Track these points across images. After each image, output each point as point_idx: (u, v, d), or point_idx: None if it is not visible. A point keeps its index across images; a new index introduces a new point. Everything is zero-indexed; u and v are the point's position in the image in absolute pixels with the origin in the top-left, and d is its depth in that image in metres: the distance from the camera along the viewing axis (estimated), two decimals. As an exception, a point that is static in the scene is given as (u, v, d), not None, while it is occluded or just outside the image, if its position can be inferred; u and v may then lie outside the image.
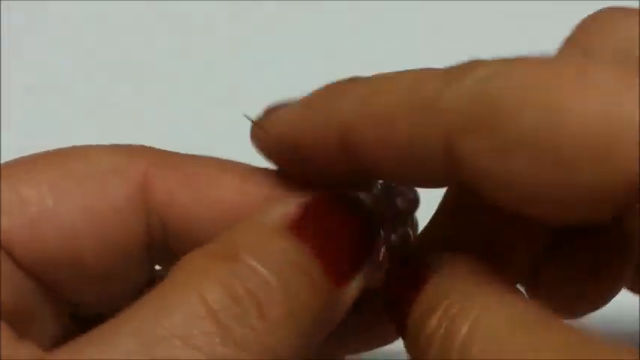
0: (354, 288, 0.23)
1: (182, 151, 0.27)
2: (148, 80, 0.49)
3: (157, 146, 0.27)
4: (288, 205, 0.23)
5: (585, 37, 0.24)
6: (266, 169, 0.26)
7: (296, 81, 0.46)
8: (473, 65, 0.20)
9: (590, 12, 0.27)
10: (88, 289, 0.26)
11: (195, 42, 0.50)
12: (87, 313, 0.26)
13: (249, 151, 0.26)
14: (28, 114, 0.48)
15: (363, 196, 0.25)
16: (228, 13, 0.51)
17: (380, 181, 0.25)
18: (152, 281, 0.26)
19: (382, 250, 0.24)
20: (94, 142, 0.26)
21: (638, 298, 0.29)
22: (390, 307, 0.24)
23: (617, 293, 0.27)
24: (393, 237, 0.25)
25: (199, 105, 0.48)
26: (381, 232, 0.25)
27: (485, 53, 0.20)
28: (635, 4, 0.48)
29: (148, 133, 0.45)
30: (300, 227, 0.22)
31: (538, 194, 0.19)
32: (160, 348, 0.20)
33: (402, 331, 0.23)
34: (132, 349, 0.20)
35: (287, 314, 0.21)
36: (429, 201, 0.26)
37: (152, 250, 0.26)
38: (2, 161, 0.25)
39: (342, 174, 0.24)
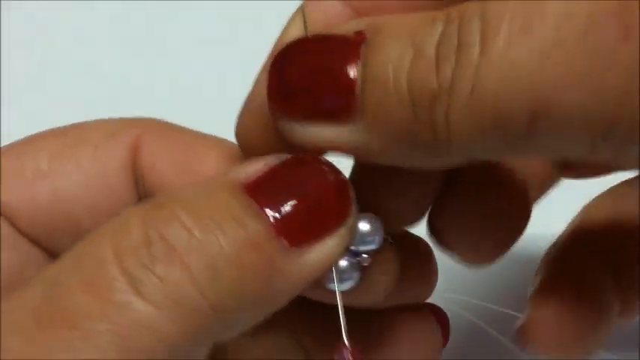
0: (314, 255, 0.21)
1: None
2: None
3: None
4: (248, 167, 0.22)
5: None
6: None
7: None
8: None
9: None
10: None
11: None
12: None
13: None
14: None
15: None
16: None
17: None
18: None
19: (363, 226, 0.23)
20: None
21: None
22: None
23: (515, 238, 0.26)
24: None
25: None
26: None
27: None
28: None
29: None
30: (254, 187, 0.21)
31: None
32: (59, 293, 0.19)
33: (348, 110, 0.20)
34: (36, 299, 0.19)
35: (203, 260, 0.19)
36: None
37: None
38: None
39: None
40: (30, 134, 0.26)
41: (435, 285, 0.27)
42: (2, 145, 0.26)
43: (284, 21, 0.23)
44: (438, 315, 0.27)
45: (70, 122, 0.47)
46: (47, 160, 0.25)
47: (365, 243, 0.23)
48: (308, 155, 0.22)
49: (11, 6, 0.51)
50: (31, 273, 0.25)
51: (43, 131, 0.26)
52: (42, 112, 0.48)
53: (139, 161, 0.25)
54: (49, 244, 0.25)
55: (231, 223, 0.20)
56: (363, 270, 0.23)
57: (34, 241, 0.25)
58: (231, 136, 0.25)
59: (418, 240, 0.26)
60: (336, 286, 0.23)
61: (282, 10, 0.24)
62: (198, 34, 0.51)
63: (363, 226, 0.23)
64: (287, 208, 0.21)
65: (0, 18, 0.51)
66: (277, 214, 0.21)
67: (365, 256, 0.23)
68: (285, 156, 0.22)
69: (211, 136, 0.26)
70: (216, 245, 0.20)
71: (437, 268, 0.26)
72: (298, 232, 0.21)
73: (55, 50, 0.50)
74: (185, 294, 0.19)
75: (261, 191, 0.21)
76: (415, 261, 0.26)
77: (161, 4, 0.52)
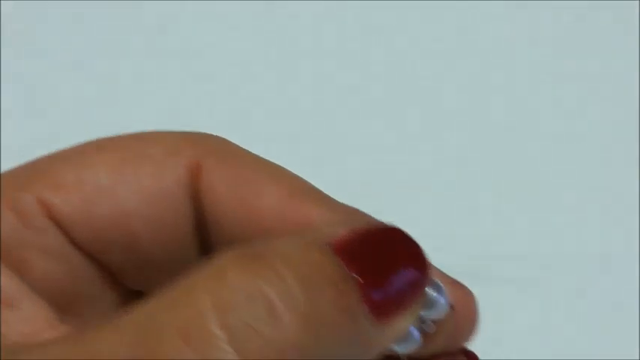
0: (397, 326, 0.21)
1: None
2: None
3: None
4: (336, 228, 0.21)
5: None
6: (319, 191, 0.25)
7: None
8: None
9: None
10: (143, 273, 0.26)
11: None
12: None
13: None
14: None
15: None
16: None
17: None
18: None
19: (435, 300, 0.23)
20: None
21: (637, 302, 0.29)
22: None
23: None
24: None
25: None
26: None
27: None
28: (635, 5, 0.48)
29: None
30: (345, 248, 0.21)
31: None
32: (155, 340, 0.19)
33: None
34: (129, 343, 0.19)
35: (303, 322, 0.19)
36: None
37: (204, 240, 0.26)
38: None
39: None
40: (87, 141, 0.26)
41: (475, 334, 0.26)
42: (54, 152, 0.25)
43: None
44: (470, 357, 0.27)
45: (70, 123, 0.48)
46: (107, 174, 0.25)
47: (431, 311, 0.22)
48: (391, 225, 0.22)
49: (11, 6, 0.52)
50: (83, 286, 0.25)
51: (100, 141, 0.26)
52: (41, 112, 0.48)
53: (199, 183, 0.25)
54: (104, 258, 0.25)
55: (328, 284, 0.20)
56: (425, 334, 0.23)
57: (89, 255, 0.25)
58: (235, 138, 0.26)
59: (464, 289, 0.26)
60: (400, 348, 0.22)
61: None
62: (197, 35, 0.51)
63: (430, 293, 0.22)
64: (373, 275, 0.21)
65: (0, 17, 0.51)
66: (362, 280, 0.20)
67: (430, 322, 0.23)
68: (371, 222, 0.22)
69: (273, 164, 0.26)
70: (317, 307, 0.19)
71: (478, 318, 0.26)
72: (382, 303, 0.21)
73: (56, 50, 0.51)
74: (287, 356, 0.19)
75: (347, 254, 0.21)
76: (462, 316, 0.25)
77: (160, 4, 0.52)
